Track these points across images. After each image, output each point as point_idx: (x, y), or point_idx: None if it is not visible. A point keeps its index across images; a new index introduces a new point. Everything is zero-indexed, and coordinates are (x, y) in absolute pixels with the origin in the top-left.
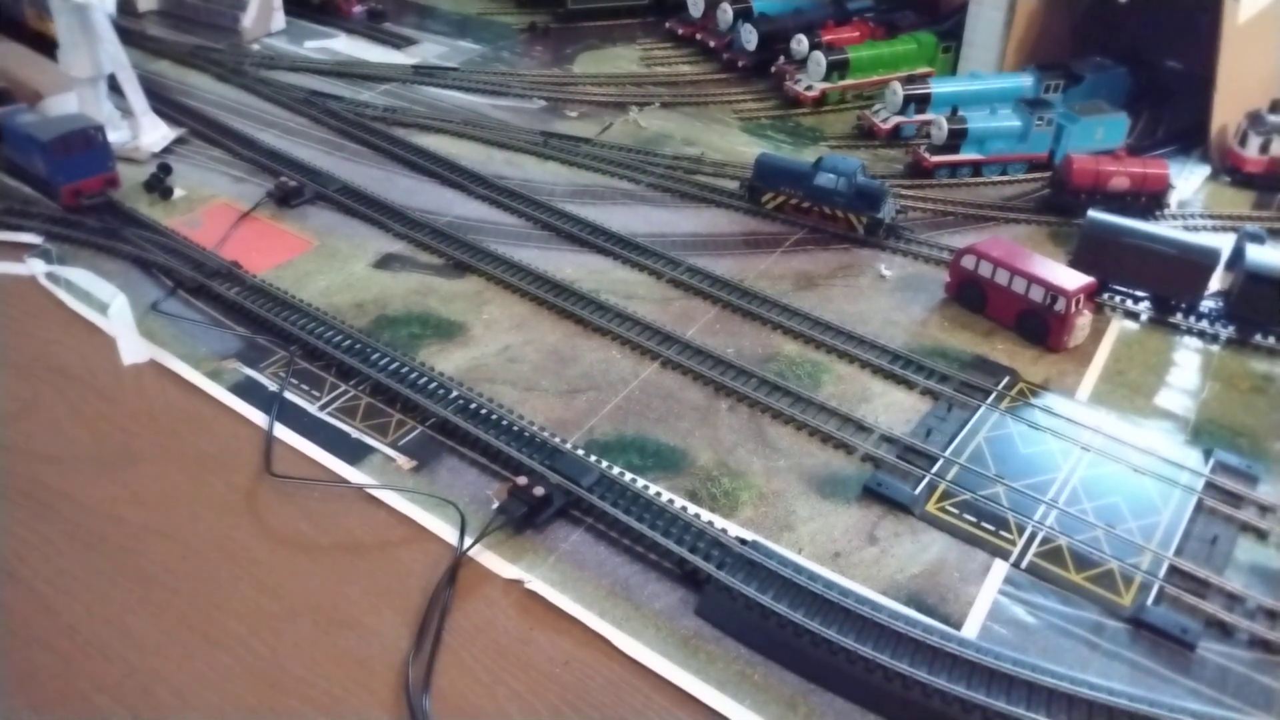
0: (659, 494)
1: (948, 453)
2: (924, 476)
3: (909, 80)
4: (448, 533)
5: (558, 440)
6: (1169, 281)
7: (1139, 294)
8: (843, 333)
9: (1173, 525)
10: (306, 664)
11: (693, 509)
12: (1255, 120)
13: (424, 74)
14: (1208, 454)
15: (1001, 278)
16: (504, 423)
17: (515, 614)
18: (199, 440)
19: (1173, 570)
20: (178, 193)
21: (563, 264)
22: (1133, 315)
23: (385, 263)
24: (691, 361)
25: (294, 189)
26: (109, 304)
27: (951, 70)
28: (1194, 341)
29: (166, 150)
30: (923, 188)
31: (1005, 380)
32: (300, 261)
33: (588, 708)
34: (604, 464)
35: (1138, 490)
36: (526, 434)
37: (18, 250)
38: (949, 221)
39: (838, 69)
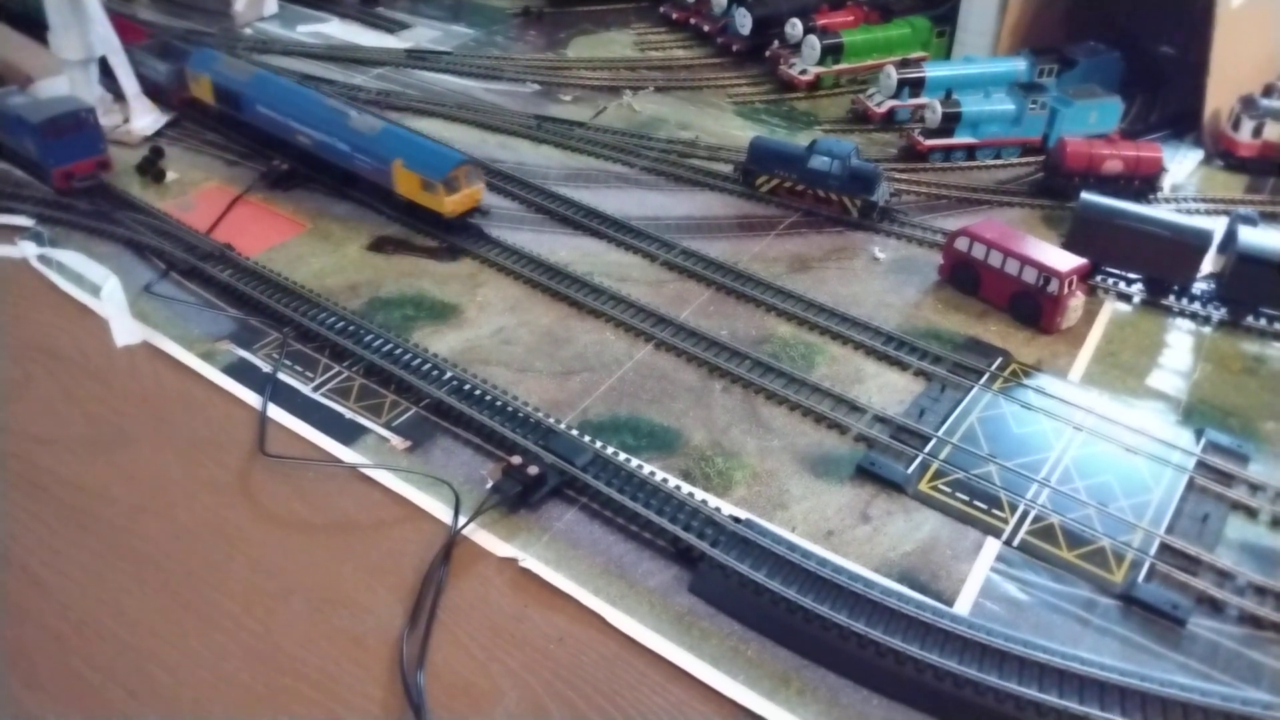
0: (653, 473)
1: (940, 433)
2: (917, 456)
3: (903, 64)
4: (442, 512)
5: (552, 421)
6: (1162, 264)
7: (1132, 276)
8: (836, 314)
9: (1164, 504)
10: (301, 642)
11: (686, 488)
12: (1248, 104)
13: (417, 58)
14: (1199, 434)
15: (995, 260)
16: (498, 403)
17: (510, 592)
18: (192, 421)
19: (1164, 548)
20: (170, 176)
21: (557, 247)
22: (1125, 297)
23: (379, 245)
24: (686, 343)
25: (286, 172)
26: (101, 286)
27: (946, 55)
28: (1186, 323)
29: (158, 134)
30: (917, 171)
31: (998, 361)
32: (293, 244)
33: (582, 683)
34: (598, 444)
35: (1129, 469)
36: (521, 414)
37: (9, 233)
38: (943, 204)
39: (832, 53)
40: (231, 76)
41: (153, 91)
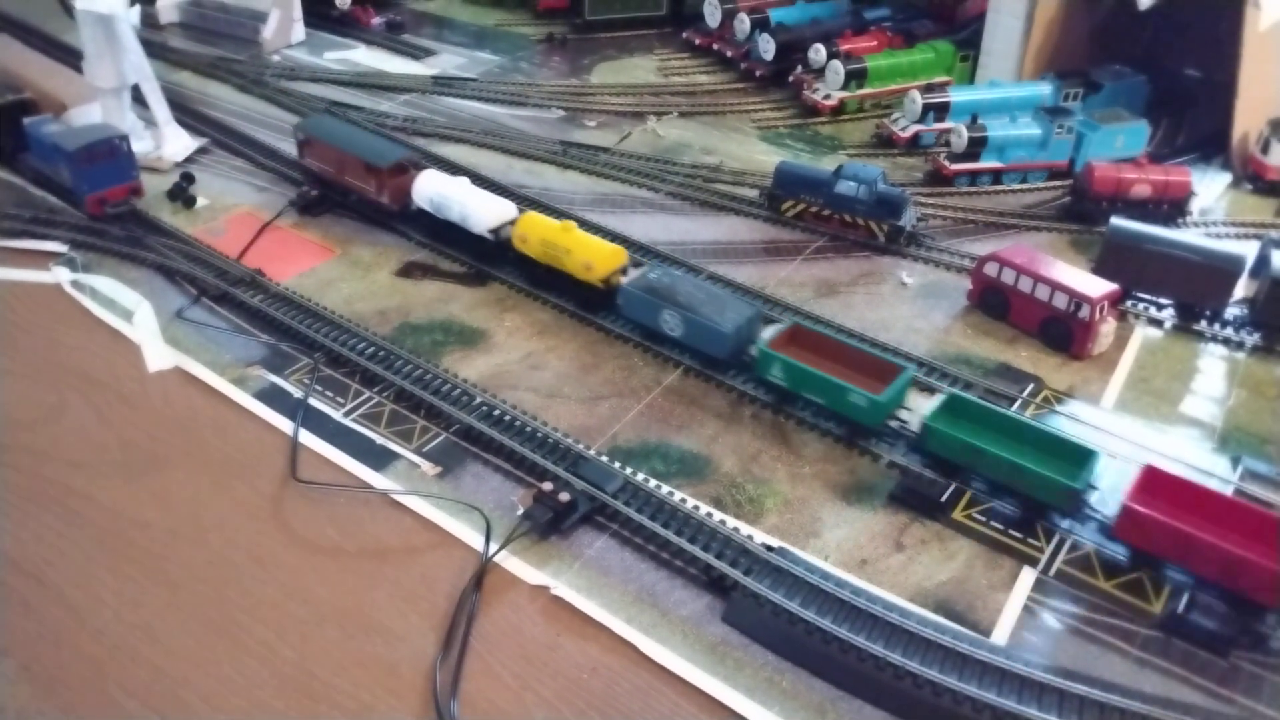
0: (684, 500)
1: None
2: (950, 483)
3: (928, 89)
4: (473, 538)
5: (581, 447)
6: (1193, 289)
7: (1163, 301)
8: (865, 340)
9: None
10: (334, 669)
11: (718, 515)
12: (1277, 127)
13: (443, 84)
14: (1235, 461)
15: (1024, 285)
16: (527, 429)
17: (541, 620)
18: (224, 446)
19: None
20: (200, 201)
21: None
22: (1156, 323)
23: (408, 271)
24: (713, 368)
25: (316, 198)
26: (134, 311)
27: (970, 79)
28: (1219, 349)
29: (189, 160)
30: (943, 195)
31: (1029, 387)
32: (323, 269)
33: (616, 714)
34: (628, 470)
35: None
36: (550, 440)
37: (43, 259)
38: (969, 229)
39: (856, 78)
40: None
41: None
